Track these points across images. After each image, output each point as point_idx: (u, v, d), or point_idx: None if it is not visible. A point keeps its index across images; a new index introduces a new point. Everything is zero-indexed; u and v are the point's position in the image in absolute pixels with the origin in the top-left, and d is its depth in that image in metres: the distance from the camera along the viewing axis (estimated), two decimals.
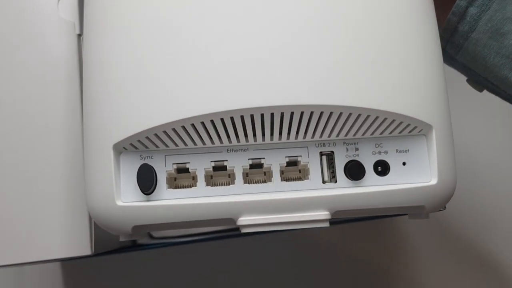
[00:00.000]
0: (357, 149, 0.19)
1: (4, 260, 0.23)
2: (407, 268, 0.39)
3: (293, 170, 0.19)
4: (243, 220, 0.18)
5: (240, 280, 0.38)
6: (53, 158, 0.23)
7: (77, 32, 0.25)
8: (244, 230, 0.18)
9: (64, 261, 0.35)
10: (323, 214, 0.18)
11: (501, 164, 0.41)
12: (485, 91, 0.24)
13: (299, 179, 0.19)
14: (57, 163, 0.23)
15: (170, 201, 0.18)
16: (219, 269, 0.39)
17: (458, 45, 0.21)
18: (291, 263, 0.38)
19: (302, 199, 0.18)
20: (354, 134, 0.18)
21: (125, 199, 0.18)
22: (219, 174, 0.19)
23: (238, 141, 0.18)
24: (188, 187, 0.19)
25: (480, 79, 0.23)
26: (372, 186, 0.18)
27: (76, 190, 0.23)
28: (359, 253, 0.39)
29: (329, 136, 0.18)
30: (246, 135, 0.18)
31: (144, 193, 0.18)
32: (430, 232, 0.39)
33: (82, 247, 0.23)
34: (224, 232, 0.30)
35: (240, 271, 0.39)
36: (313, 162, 0.19)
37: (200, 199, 0.18)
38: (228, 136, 0.18)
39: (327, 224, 0.18)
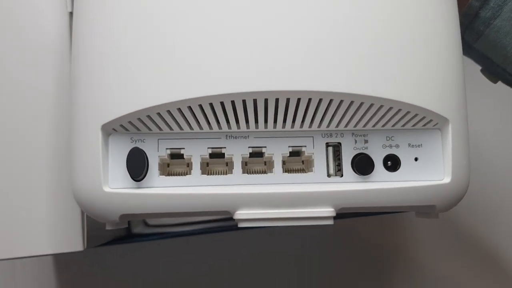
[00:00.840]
0: (366, 141, 0.17)
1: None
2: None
3: (296, 161, 0.17)
4: (241, 214, 0.16)
5: (237, 270, 0.38)
6: (42, 151, 0.22)
7: (69, 10, 0.24)
8: (241, 225, 0.17)
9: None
10: (328, 211, 0.16)
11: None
12: (499, 83, 0.23)
13: (302, 171, 0.17)
14: (47, 156, 0.22)
15: (161, 189, 0.17)
16: (217, 260, 0.38)
17: (478, 32, 0.20)
18: (293, 251, 0.38)
19: (304, 194, 0.17)
20: (364, 125, 0.17)
21: (113, 185, 0.17)
22: (216, 162, 0.17)
23: (238, 127, 0.17)
24: (182, 175, 0.17)
25: (498, 70, 0.21)
26: (381, 182, 0.17)
27: (67, 184, 0.22)
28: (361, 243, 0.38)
29: (337, 126, 0.17)
30: (247, 121, 0.17)
31: (134, 180, 0.17)
32: (437, 227, 0.39)
33: (74, 242, 0.22)
34: (222, 221, 0.29)
35: (237, 262, 0.38)
36: (318, 153, 0.17)
37: (194, 189, 0.17)
38: (228, 122, 0.17)
39: (331, 222, 0.17)
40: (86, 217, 0.22)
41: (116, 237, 0.27)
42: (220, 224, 0.29)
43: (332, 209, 0.17)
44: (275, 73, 0.15)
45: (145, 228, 0.29)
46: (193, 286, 0.37)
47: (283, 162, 0.17)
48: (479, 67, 0.23)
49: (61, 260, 0.36)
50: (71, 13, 0.23)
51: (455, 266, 0.38)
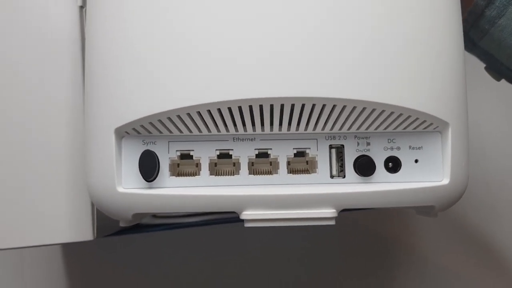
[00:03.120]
0: (368, 143, 0.18)
1: (5, 243, 0.23)
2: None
3: (301, 162, 0.18)
4: (247, 214, 0.17)
5: (244, 262, 0.38)
6: (54, 141, 0.22)
7: (79, 3, 0.24)
8: (247, 225, 0.17)
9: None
10: (330, 213, 0.17)
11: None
12: (502, 81, 0.23)
13: (306, 171, 0.18)
14: (59, 146, 0.22)
15: (172, 189, 0.18)
16: (224, 251, 0.39)
17: (483, 30, 0.20)
18: (301, 244, 0.39)
19: (308, 196, 0.17)
20: (367, 128, 0.18)
21: (126, 186, 0.18)
22: (223, 162, 0.18)
23: (245, 130, 0.18)
24: (191, 175, 0.18)
25: (502, 68, 0.22)
26: (382, 184, 0.18)
27: (78, 174, 0.23)
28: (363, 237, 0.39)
29: (340, 129, 0.18)
30: (253, 125, 0.17)
31: (146, 180, 0.17)
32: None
33: (84, 232, 0.23)
34: (229, 214, 0.30)
35: (244, 253, 0.39)
36: (321, 155, 0.18)
37: (203, 190, 0.17)
38: (235, 125, 0.17)
39: (333, 222, 0.17)
40: (95, 208, 0.23)
41: (124, 228, 0.28)
42: (227, 216, 0.30)
43: (334, 211, 0.17)
44: (280, 80, 0.16)
45: (153, 219, 0.30)
46: (199, 275, 0.38)
47: (288, 163, 0.18)
48: (483, 65, 0.23)
49: (69, 250, 0.37)
50: (81, 7, 0.23)
51: (456, 259, 0.39)
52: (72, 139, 0.22)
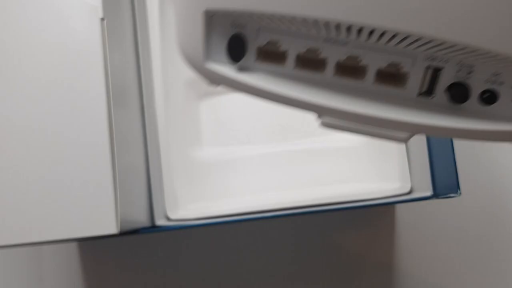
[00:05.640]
0: (470, 72, 0.16)
1: (30, 237, 0.24)
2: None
3: (391, 75, 0.17)
4: (326, 119, 0.18)
5: (258, 263, 0.40)
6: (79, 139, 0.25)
7: (100, 16, 0.25)
8: (322, 126, 0.18)
9: (83, 241, 0.36)
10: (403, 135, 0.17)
11: None
12: None
13: (394, 84, 0.17)
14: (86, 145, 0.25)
15: (256, 74, 0.18)
16: (237, 251, 0.40)
17: None
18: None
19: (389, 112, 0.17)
20: (475, 58, 0.16)
21: (211, 62, 0.18)
22: (310, 58, 0.17)
23: (339, 34, 0.16)
24: (276, 63, 0.18)
25: None
26: (472, 116, 0.17)
27: (101, 169, 0.24)
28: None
29: (445, 53, 0.16)
30: (349, 30, 0.16)
31: (233, 61, 0.18)
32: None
33: (109, 226, 0.23)
34: (243, 215, 0.30)
35: (257, 254, 0.40)
36: (415, 72, 0.17)
37: (286, 86, 0.18)
38: (329, 28, 0.16)
39: (404, 142, 0.17)
40: (119, 202, 0.24)
41: (141, 227, 0.29)
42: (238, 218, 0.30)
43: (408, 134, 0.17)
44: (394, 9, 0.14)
45: (167, 221, 0.31)
46: (214, 273, 0.40)
47: (377, 72, 0.17)
48: None
49: (85, 248, 0.39)
50: (102, 19, 0.24)
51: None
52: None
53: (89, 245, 0.39)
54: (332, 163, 0.35)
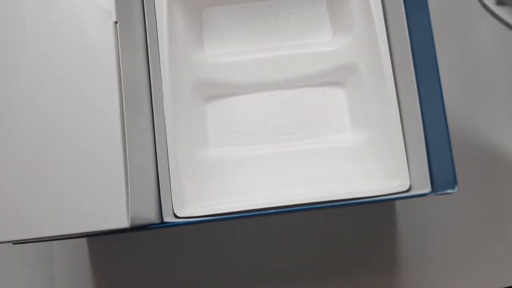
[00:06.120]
0: None
1: (42, 232, 0.25)
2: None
3: None
4: None
5: (261, 259, 0.41)
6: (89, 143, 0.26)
7: (114, 19, 0.25)
8: None
9: (94, 236, 0.36)
10: None
11: None
12: None
13: None
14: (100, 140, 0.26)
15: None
16: (242, 248, 0.41)
17: None
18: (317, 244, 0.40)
19: None
20: None
21: None
22: None
23: None
24: None
25: None
26: None
27: (114, 168, 0.25)
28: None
29: None
30: None
31: None
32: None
33: (120, 220, 0.24)
34: (247, 212, 0.32)
35: (260, 250, 0.41)
36: None
37: None
38: None
39: None
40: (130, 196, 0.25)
41: (149, 223, 0.30)
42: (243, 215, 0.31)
43: None
44: None
45: (174, 219, 0.33)
46: (219, 268, 0.41)
47: None
48: None
49: (95, 245, 0.40)
50: (115, 22, 0.25)
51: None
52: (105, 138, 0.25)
53: (98, 242, 0.41)
54: (334, 162, 0.36)
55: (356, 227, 0.41)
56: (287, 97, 0.38)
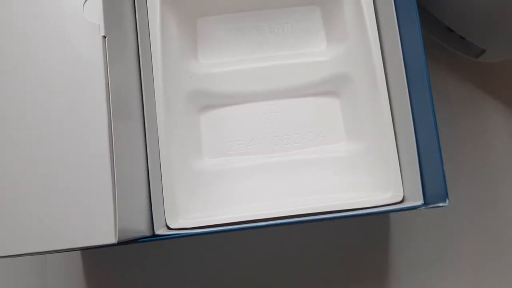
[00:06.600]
0: None
1: (29, 247, 0.24)
2: None
3: None
4: None
5: (258, 271, 0.41)
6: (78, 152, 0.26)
7: (102, 33, 0.26)
8: None
9: (85, 249, 0.36)
10: None
11: None
12: None
13: None
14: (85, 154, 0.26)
15: None
16: (235, 259, 0.41)
17: None
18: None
19: None
20: None
21: None
22: None
23: None
24: None
25: None
26: None
27: (100, 180, 0.25)
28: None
29: None
30: None
31: None
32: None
33: (107, 236, 0.24)
34: (241, 224, 0.31)
35: (254, 262, 0.41)
36: None
37: None
38: None
39: None
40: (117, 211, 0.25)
41: (140, 237, 0.30)
42: (236, 227, 0.31)
43: None
44: None
45: (167, 231, 0.32)
46: (213, 281, 0.41)
47: None
48: None
49: (88, 258, 0.40)
50: (104, 37, 0.25)
51: None
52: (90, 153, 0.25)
53: (92, 253, 0.40)
54: (328, 173, 0.36)
55: (350, 237, 0.41)
56: (282, 107, 0.38)
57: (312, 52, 0.38)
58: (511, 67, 0.43)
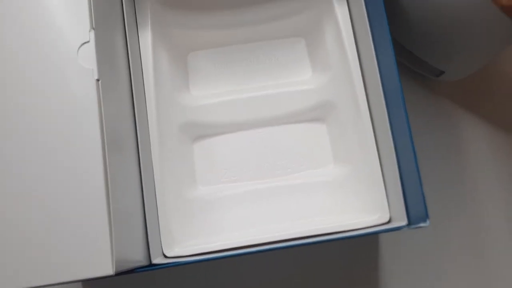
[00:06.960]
0: None
1: (27, 282, 0.25)
2: None
3: None
4: None
5: None
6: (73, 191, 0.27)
7: (96, 77, 0.27)
8: None
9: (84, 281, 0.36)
10: None
11: None
12: None
13: None
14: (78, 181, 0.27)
15: None
16: (231, 285, 0.41)
17: None
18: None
19: None
20: None
21: None
22: None
23: None
24: None
25: None
26: None
27: (96, 212, 0.25)
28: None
29: None
30: None
31: None
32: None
33: (104, 267, 0.25)
34: (234, 250, 0.32)
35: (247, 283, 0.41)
36: None
37: None
38: None
39: None
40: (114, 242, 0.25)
41: (138, 266, 0.30)
42: (229, 253, 0.32)
43: None
44: None
45: (163, 259, 0.33)
46: None
47: None
48: None
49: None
50: (97, 80, 0.27)
51: None
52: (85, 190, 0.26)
53: (92, 283, 0.41)
54: (318, 196, 0.37)
55: (341, 257, 0.42)
56: (271, 134, 0.39)
57: (298, 81, 0.39)
58: (483, 82, 0.44)
